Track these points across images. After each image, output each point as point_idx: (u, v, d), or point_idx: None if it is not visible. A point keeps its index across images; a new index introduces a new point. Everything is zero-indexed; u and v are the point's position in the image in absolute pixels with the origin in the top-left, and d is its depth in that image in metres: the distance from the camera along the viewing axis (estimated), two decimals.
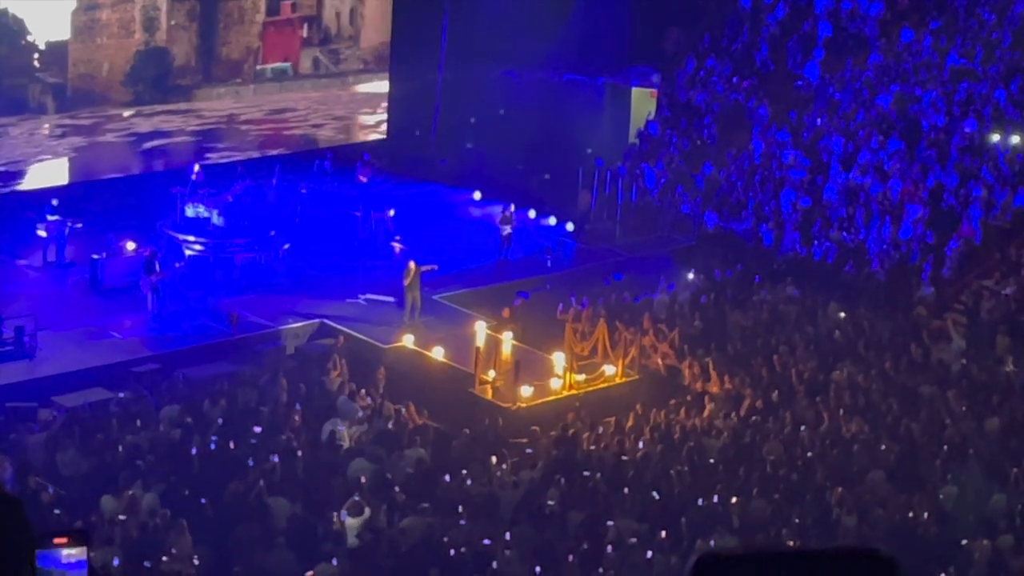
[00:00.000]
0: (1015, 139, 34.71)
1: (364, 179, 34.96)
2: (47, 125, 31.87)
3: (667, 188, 36.34)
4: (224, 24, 33.10)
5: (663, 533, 21.14)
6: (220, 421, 24.03)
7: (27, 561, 3.37)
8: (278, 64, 33.50)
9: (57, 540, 3.15)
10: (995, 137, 34.62)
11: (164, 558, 19.57)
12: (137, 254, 30.21)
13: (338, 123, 36.13)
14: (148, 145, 32.98)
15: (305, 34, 33.82)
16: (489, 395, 26.93)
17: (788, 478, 23.19)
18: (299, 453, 23.10)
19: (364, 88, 36.84)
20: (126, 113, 32.35)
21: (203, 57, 33.05)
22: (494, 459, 23.45)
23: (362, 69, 34.84)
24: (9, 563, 3.28)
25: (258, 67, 33.31)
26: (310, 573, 19.57)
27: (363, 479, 22.20)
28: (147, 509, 20.74)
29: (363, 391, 25.84)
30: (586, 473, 23.13)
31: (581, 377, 27.30)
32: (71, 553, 3.13)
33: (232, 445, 23.17)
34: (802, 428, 24.85)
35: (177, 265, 29.60)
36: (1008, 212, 32.90)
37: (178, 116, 33.11)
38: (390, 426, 24.71)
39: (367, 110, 36.97)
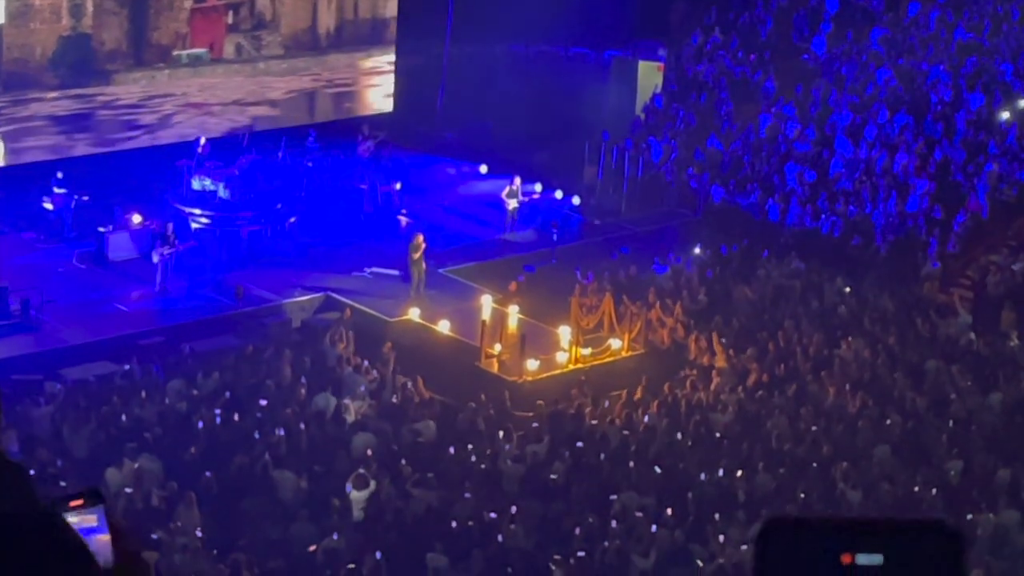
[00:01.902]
0: (1021, 104, 34.69)
1: (365, 153, 34.95)
2: None
3: (674, 162, 36.28)
4: (154, 10, 33.23)
5: (669, 507, 21.17)
6: (226, 395, 24.06)
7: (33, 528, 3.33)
8: (193, 50, 33.63)
9: (73, 503, 3.07)
10: (1005, 115, 34.52)
11: (170, 530, 19.62)
12: (143, 227, 30.24)
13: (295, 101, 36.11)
14: (68, 127, 33.02)
15: (230, 20, 33.91)
16: (495, 369, 26.95)
17: (793, 452, 23.22)
18: (304, 426, 23.14)
19: (370, 62, 36.85)
20: (50, 95, 32.42)
21: (133, 42, 33.16)
22: (500, 433, 23.49)
23: (282, 55, 34.77)
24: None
25: (174, 53, 33.44)
26: (313, 548, 19.60)
27: (369, 452, 22.25)
28: (152, 482, 20.80)
29: (368, 364, 25.87)
30: (591, 447, 23.16)
31: (587, 351, 27.31)
32: (87, 518, 3.06)
33: (237, 418, 23.21)
34: (807, 403, 24.86)
35: (192, 242, 29.59)
36: (1015, 187, 32.85)
37: (107, 98, 33.16)
38: (395, 400, 24.75)
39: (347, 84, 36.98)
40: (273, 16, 34.35)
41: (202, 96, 34.40)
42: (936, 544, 2.37)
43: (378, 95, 37.25)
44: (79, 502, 3.01)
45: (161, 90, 33.72)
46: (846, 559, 2.36)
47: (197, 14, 33.55)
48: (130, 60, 33.10)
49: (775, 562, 2.39)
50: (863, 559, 2.36)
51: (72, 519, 2.99)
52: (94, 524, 3.01)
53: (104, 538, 2.98)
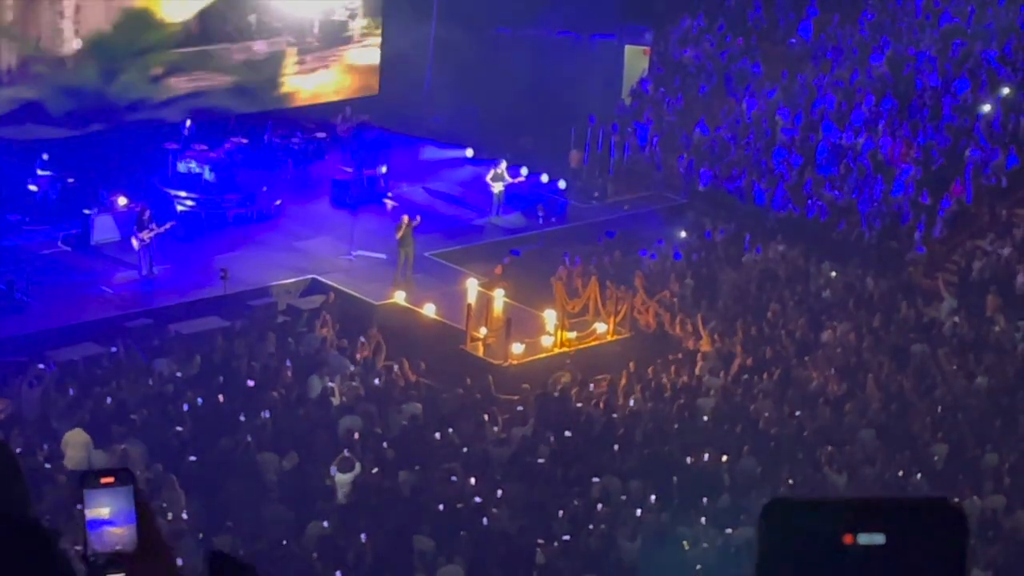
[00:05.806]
0: (1005, 91, 34.74)
1: (344, 133, 34.93)
2: None
3: (660, 146, 36.29)
4: None
5: (654, 491, 21.18)
6: (211, 377, 24.03)
7: (23, 511, 3.30)
8: None
9: (104, 479, 3.05)
10: (986, 107, 34.53)
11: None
12: (128, 209, 30.18)
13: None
14: None
15: None
16: (480, 352, 26.95)
17: (778, 436, 23.24)
18: (289, 409, 23.12)
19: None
20: None
21: None
22: (485, 416, 23.49)
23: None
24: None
25: None
26: (300, 531, 19.46)
27: (355, 435, 22.23)
28: (138, 464, 20.76)
29: (354, 347, 25.85)
30: (577, 430, 23.17)
31: (572, 334, 27.32)
32: (103, 511, 3.03)
33: (223, 400, 23.18)
34: (792, 386, 24.88)
35: (170, 224, 29.48)
36: (999, 172, 32.87)
37: None
38: (378, 382, 24.73)
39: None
40: None
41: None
42: (938, 522, 2.37)
43: None
44: (110, 479, 2.99)
45: None
46: (847, 539, 2.36)
47: None
48: None
49: (777, 543, 2.39)
50: (864, 538, 2.36)
51: (99, 510, 2.97)
52: (120, 508, 2.98)
53: (119, 530, 2.95)
